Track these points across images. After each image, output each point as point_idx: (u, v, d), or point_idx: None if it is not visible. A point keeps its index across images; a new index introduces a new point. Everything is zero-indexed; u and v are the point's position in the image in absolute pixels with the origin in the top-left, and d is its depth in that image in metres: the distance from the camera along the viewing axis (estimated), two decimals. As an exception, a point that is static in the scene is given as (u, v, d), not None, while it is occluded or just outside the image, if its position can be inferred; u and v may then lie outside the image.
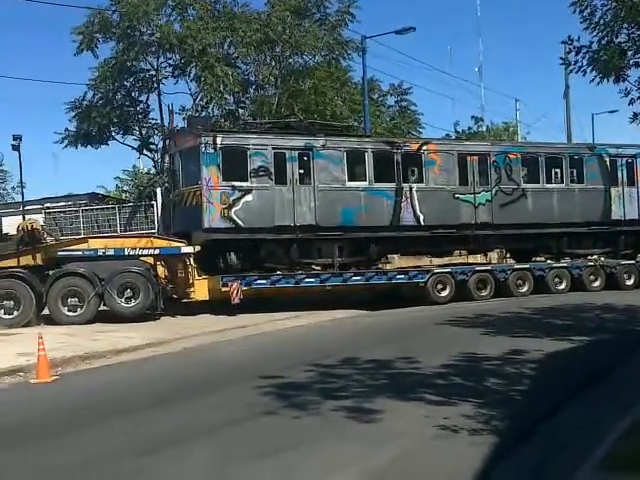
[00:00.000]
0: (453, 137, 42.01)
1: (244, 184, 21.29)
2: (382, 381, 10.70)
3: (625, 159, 26.66)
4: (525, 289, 24.66)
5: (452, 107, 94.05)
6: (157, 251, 20.15)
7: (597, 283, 25.78)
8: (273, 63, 31.64)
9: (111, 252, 19.69)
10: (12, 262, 19.33)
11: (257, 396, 9.80)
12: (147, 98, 31.44)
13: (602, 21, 9.15)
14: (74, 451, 7.77)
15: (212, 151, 20.96)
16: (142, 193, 31.60)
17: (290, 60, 31.93)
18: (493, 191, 24.66)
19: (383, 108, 43.74)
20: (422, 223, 23.55)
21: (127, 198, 34.75)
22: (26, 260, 19.39)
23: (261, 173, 21.48)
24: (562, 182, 25.95)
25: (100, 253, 19.58)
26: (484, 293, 23.98)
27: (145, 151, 32.07)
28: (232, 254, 21.42)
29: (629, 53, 9.19)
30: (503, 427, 7.82)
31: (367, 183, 23.03)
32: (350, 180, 22.86)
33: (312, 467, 7.02)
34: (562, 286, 25.24)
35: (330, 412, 8.79)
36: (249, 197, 21.22)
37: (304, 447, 7.60)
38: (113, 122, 30.36)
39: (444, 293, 23.48)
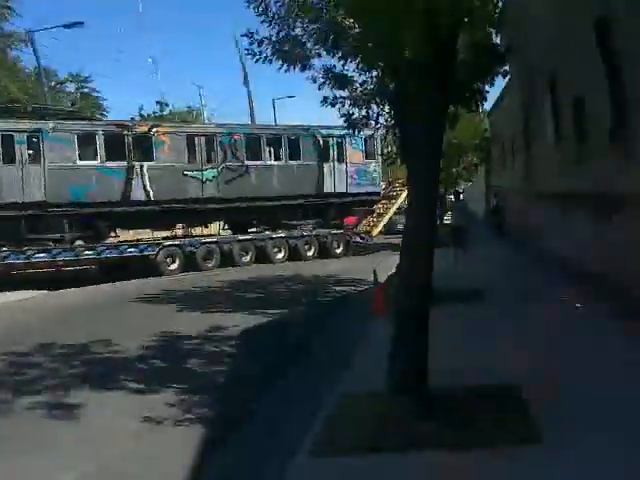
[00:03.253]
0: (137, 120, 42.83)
1: None
2: (79, 369, 10.18)
3: (335, 139, 29.09)
4: (248, 258, 26.61)
5: (132, 93, 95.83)
6: None
7: (311, 252, 28.28)
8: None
9: None
10: None
11: None
12: None
13: (276, 16, 9.20)
14: None
15: None
16: None
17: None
18: (219, 168, 26.29)
19: (62, 94, 44.67)
20: (152, 198, 24.58)
21: None
22: None
23: None
24: (282, 159, 28.20)
25: None
26: (211, 264, 25.54)
27: None
28: None
29: (309, 44, 9.18)
30: (209, 415, 7.85)
31: (99, 162, 23.65)
32: (82, 160, 23.39)
33: None
34: (280, 255, 27.49)
35: (24, 411, 8.16)
36: None
37: None
38: None
39: (174, 266, 24.80)
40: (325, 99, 9.54)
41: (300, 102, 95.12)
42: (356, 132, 9.68)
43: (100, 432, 7.51)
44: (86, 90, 46.81)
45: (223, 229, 28.98)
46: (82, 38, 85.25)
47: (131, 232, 26.35)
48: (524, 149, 23.45)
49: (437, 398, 6.76)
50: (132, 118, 32.15)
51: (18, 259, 22.28)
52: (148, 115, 50.83)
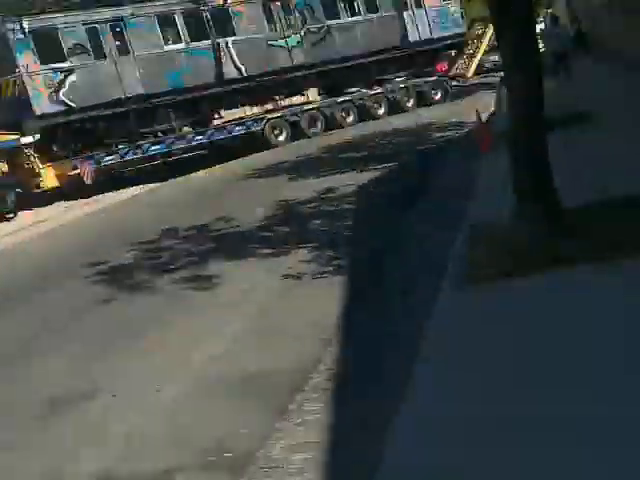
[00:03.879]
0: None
1: (64, 65, 20.00)
2: (208, 245, 10.20)
3: None
4: (351, 119, 25.51)
5: None
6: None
7: (410, 102, 27.17)
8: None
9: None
10: None
11: (89, 285, 9.15)
12: None
13: None
14: None
15: (22, 36, 19.39)
16: None
17: None
18: (302, 32, 24.88)
19: None
20: (244, 74, 23.38)
21: None
22: None
23: (78, 51, 20.24)
24: (360, 14, 26.59)
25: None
26: (316, 130, 24.49)
27: None
28: (71, 137, 20.56)
29: None
30: (345, 264, 7.96)
31: (184, 44, 22.36)
32: (167, 44, 22.14)
33: (180, 342, 6.59)
34: (381, 110, 26.36)
35: (167, 287, 8.35)
36: (73, 77, 20.00)
37: (162, 326, 7.12)
38: None
39: (281, 137, 23.81)
40: None
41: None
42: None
43: (242, 293, 7.65)
44: None
45: (319, 94, 27.48)
46: None
47: (232, 111, 24.99)
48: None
49: (570, 217, 6.30)
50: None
51: (136, 154, 21.40)
52: None
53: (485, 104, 19.11)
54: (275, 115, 24.36)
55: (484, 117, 14.68)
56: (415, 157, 15.40)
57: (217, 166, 21.45)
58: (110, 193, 19.81)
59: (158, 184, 20.46)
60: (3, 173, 19.33)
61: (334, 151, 19.23)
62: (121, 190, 20.05)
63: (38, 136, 19.46)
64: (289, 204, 12.32)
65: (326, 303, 6.84)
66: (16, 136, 19.08)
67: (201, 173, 20.76)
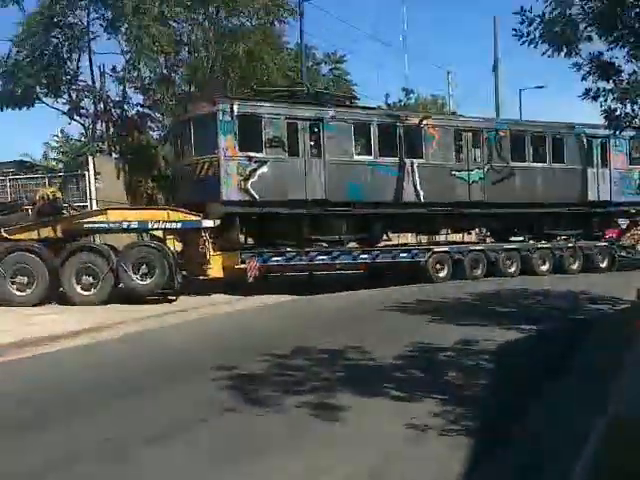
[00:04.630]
0: (385, 109, 41.38)
1: (259, 155, 19.88)
2: (339, 374, 10.28)
3: (600, 139, 26.23)
4: (513, 269, 24.43)
5: (381, 76, 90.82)
6: (179, 225, 18.37)
7: (576, 265, 25.88)
8: (207, 24, 29.13)
9: (135, 225, 18.03)
10: (32, 234, 17.30)
11: (214, 390, 9.25)
12: (78, 58, 28.03)
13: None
14: (26, 458, 6.84)
15: (229, 119, 19.42)
16: (73, 161, 28.76)
17: (225, 22, 29.63)
18: (485, 169, 24.19)
19: (317, 76, 42.11)
20: (421, 200, 22.73)
21: (55, 167, 31.51)
22: (46, 232, 17.40)
23: (275, 144, 20.09)
24: (545, 161, 25.70)
25: (125, 226, 17.92)
26: (477, 273, 23.60)
27: (75, 116, 28.67)
28: (244, 229, 20.53)
29: (581, 26, 9.12)
30: (474, 428, 7.70)
31: (373, 157, 22.03)
32: (357, 154, 21.97)
33: (294, 472, 6.55)
34: (545, 267, 25.19)
35: (294, 409, 8.37)
36: (264, 169, 19.81)
37: (277, 450, 7.13)
38: (41, 83, 26.88)
39: (442, 273, 22.96)
40: (587, 91, 9.36)
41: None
42: (617, 132, 9.21)
43: (364, 435, 7.62)
44: (338, 72, 44.14)
45: (480, 235, 26.66)
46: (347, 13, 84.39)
47: (402, 236, 24.41)
48: None
49: None
50: (379, 107, 30.17)
51: (302, 260, 20.99)
52: (393, 103, 48.70)
53: (646, 283, 18.04)
54: (441, 249, 23.67)
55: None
56: (564, 326, 14.73)
57: (365, 290, 20.93)
58: (257, 295, 19.65)
59: (302, 297, 20.16)
60: (179, 253, 19.13)
61: (484, 300, 18.61)
62: (268, 295, 19.91)
63: (218, 221, 19.11)
64: (426, 347, 12.09)
65: (445, 465, 6.61)
66: (198, 218, 18.87)
67: (345, 295, 20.30)
